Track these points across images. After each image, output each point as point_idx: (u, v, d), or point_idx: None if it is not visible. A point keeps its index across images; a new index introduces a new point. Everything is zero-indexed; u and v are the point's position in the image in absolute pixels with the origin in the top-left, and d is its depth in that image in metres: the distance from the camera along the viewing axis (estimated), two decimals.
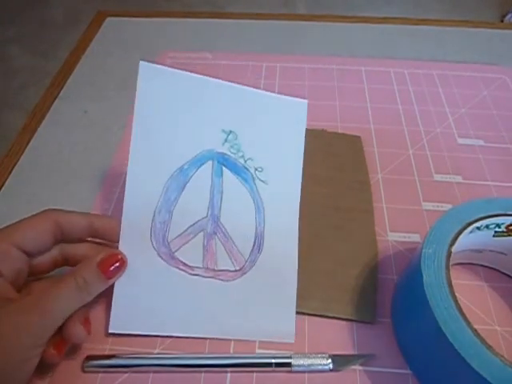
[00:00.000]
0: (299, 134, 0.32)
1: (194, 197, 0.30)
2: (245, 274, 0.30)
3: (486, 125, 0.43)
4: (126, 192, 0.29)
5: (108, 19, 0.57)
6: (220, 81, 0.30)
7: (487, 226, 0.28)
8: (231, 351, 0.28)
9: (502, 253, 0.30)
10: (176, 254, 0.29)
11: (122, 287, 0.28)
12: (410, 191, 0.37)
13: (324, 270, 0.32)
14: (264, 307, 0.30)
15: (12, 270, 0.26)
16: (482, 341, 0.22)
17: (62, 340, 0.26)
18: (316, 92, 0.46)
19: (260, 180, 0.31)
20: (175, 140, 0.30)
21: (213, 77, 0.30)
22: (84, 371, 0.27)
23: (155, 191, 0.29)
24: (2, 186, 0.38)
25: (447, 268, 0.25)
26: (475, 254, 0.31)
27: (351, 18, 0.58)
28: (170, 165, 0.30)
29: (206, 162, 0.30)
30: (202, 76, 0.30)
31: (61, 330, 0.25)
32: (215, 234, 0.30)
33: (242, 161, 0.31)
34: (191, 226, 0.30)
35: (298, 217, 0.32)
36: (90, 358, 0.27)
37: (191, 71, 0.30)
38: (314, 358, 0.27)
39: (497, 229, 0.28)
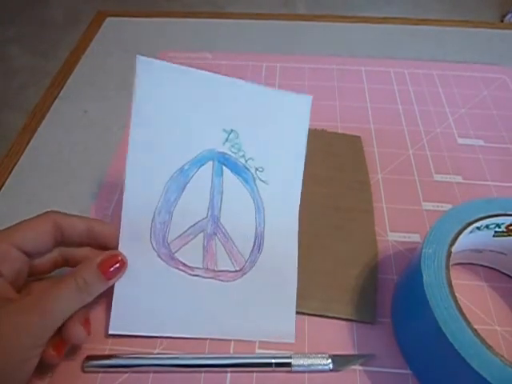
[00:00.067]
0: (302, 131, 0.31)
1: (194, 197, 0.30)
2: (245, 274, 0.30)
3: (486, 125, 0.43)
4: (124, 193, 0.29)
5: (108, 19, 0.57)
6: (221, 76, 0.29)
7: (487, 226, 0.28)
8: (231, 351, 0.28)
9: (502, 253, 0.30)
10: (176, 254, 0.29)
11: (122, 288, 0.28)
12: (410, 191, 0.37)
13: (324, 270, 0.32)
14: (264, 307, 0.30)
15: (12, 270, 0.26)
16: (482, 341, 0.22)
17: (61, 341, 0.26)
18: (316, 92, 0.46)
19: (260, 180, 0.31)
20: (175, 139, 0.29)
21: None
22: (84, 371, 0.27)
23: (155, 192, 0.29)
24: (2, 185, 0.38)
25: (447, 268, 0.25)
26: (475, 253, 0.31)
27: (351, 17, 0.58)
28: (170, 165, 0.29)
29: (206, 162, 0.30)
30: (202, 71, 0.29)
31: (60, 330, 0.25)
32: (215, 234, 0.30)
33: (242, 160, 0.31)
34: (191, 226, 0.30)
35: (297, 217, 0.31)
36: (89, 358, 0.27)
37: None
38: (314, 357, 0.27)
39: (497, 229, 0.28)
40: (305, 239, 0.32)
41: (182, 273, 0.29)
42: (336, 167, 0.38)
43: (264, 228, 0.31)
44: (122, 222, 0.28)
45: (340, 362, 0.27)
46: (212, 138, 0.30)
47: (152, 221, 0.29)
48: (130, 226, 0.29)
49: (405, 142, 0.41)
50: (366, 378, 0.27)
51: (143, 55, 0.29)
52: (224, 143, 0.30)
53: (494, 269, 0.32)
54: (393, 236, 0.34)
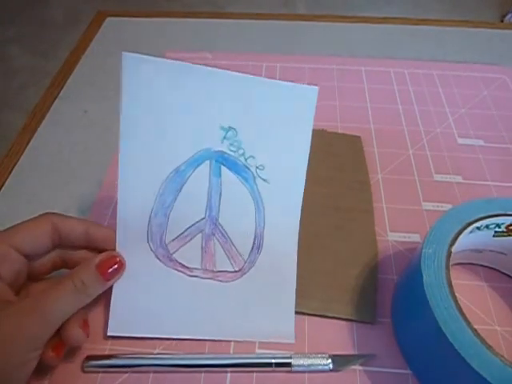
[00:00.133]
0: (306, 126, 0.29)
1: (191, 198, 0.29)
2: (244, 274, 0.30)
3: (486, 125, 0.43)
4: (118, 196, 0.28)
5: (108, 19, 0.57)
6: (216, 69, 0.27)
7: (487, 226, 0.28)
8: (231, 351, 0.28)
9: (502, 253, 0.30)
10: (174, 255, 0.29)
11: (121, 289, 0.28)
12: (410, 191, 0.37)
13: (324, 270, 0.32)
14: (263, 308, 0.29)
15: (11, 272, 0.26)
16: (482, 341, 0.22)
17: (60, 342, 0.25)
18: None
19: (261, 179, 0.30)
20: (169, 139, 0.28)
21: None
22: (84, 371, 0.27)
23: (150, 194, 0.28)
24: (2, 185, 0.38)
25: (447, 268, 0.25)
26: (475, 253, 0.31)
27: (351, 17, 0.58)
28: (164, 166, 0.28)
29: (203, 161, 0.29)
30: (194, 65, 0.27)
31: (59, 332, 0.25)
32: (214, 235, 0.30)
33: (242, 159, 0.29)
34: (189, 227, 0.29)
35: (299, 216, 0.30)
36: (89, 358, 0.27)
37: None
38: (314, 357, 0.27)
39: (497, 229, 0.28)
40: (305, 239, 0.31)
41: (181, 274, 0.29)
42: (336, 167, 0.38)
43: (264, 228, 0.30)
44: (117, 226, 0.28)
45: (340, 361, 0.27)
46: (209, 136, 0.29)
47: (148, 223, 0.28)
48: (125, 229, 0.28)
49: (405, 142, 0.41)
50: (366, 377, 0.27)
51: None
52: (222, 141, 0.29)
53: (494, 269, 0.32)
54: (393, 236, 0.34)
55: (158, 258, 0.29)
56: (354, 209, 0.35)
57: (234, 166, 0.29)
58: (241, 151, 0.29)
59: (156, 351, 0.28)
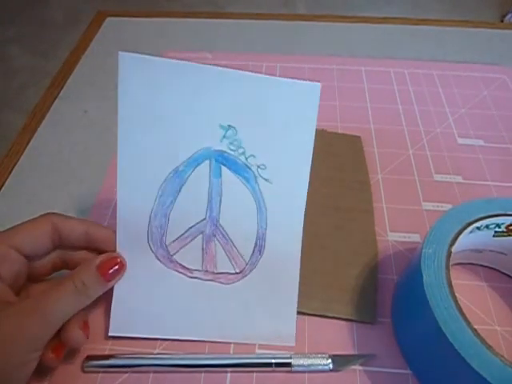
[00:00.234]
0: (309, 124, 0.28)
1: (191, 199, 0.29)
2: (245, 276, 0.30)
3: (486, 125, 0.43)
4: (118, 197, 0.28)
5: (108, 19, 0.57)
6: (214, 67, 0.27)
7: (487, 226, 0.28)
8: (231, 351, 0.28)
9: (502, 253, 0.30)
10: (174, 256, 0.29)
11: (122, 290, 0.28)
12: (410, 191, 0.37)
13: (324, 270, 0.32)
14: (264, 311, 0.29)
15: (11, 272, 0.26)
16: (482, 341, 0.22)
17: (60, 343, 0.25)
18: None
19: (263, 178, 0.29)
20: (167, 139, 0.28)
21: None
22: (84, 371, 0.27)
23: (149, 196, 0.28)
24: (2, 185, 0.38)
25: (447, 268, 0.25)
26: (475, 253, 0.31)
27: (351, 17, 0.58)
28: (163, 167, 0.28)
29: (202, 161, 0.28)
30: (192, 63, 0.26)
31: (59, 333, 0.25)
32: (214, 236, 0.29)
33: (242, 158, 0.29)
34: (189, 228, 0.29)
35: (303, 217, 0.29)
36: (89, 358, 0.27)
37: None
38: (314, 357, 0.27)
39: (497, 229, 0.28)
40: (305, 239, 0.31)
41: (181, 275, 0.29)
42: (336, 167, 0.38)
43: (266, 229, 0.30)
44: (117, 227, 0.28)
45: (340, 361, 0.27)
46: (208, 135, 0.28)
47: (148, 224, 0.28)
48: (126, 230, 0.28)
49: (405, 142, 0.41)
50: (366, 378, 0.27)
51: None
52: (221, 140, 0.28)
53: (494, 269, 0.32)
54: (393, 236, 0.34)
55: (159, 259, 0.29)
56: (354, 209, 0.35)
57: (234, 166, 0.29)
58: (241, 150, 0.29)
59: (156, 351, 0.28)
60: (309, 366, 0.27)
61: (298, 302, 0.30)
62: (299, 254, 0.30)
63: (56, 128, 0.43)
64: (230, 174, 0.29)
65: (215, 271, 0.29)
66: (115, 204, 0.28)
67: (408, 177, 0.38)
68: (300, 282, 0.30)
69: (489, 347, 0.22)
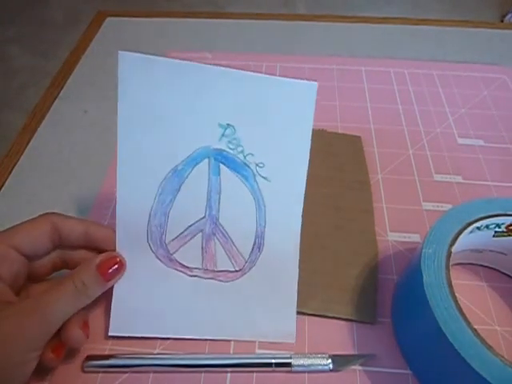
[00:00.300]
0: (306, 122, 0.29)
1: (190, 198, 0.29)
2: (245, 274, 0.30)
3: (486, 125, 0.43)
4: (117, 196, 0.28)
5: (108, 19, 0.57)
6: (212, 66, 0.27)
7: (487, 226, 0.28)
8: (231, 351, 0.28)
9: (501, 253, 0.30)
10: (174, 255, 0.29)
11: (122, 290, 0.28)
12: (410, 191, 0.37)
13: (324, 270, 0.32)
14: (264, 308, 0.29)
15: (11, 272, 0.26)
16: (482, 341, 0.22)
17: (60, 343, 0.25)
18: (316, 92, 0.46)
19: (261, 176, 0.29)
20: (166, 138, 0.28)
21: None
22: (84, 371, 0.27)
23: (148, 194, 0.28)
24: (2, 186, 0.38)
25: (447, 268, 0.25)
26: (475, 253, 0.31)
27: (351, 17, 0.58)
28: (162, 166, 0.28)
29: (201, 160, 0.29)
30: (191, 62, 0.27)
31: (59, 333, 0.25)
32: (214, 234, 0.30)
33: (241, 156, 0.29)
34: (189, 227, 0.29)
35: (301, 214, 0.30)
36: (89, 358, 0.27)
37: None
38: (314, 358, 0.27)
39: (497, 229, 0.28)
40: (305, 239, 0.31)
41: (181, 274, 0.29)
42: (336, 167, 0.38)
43: (265, 227, 0.30)
44: (116, 226, 0.28)
45: (340, 362, 0.27)
46: (207, 134, 0.28)
47: (148, 223, 0.28)
48: (125, 230, 0.28)
49: (405, 142, 0.41)
50: (366, 378, 0.27)
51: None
52: (220, 139, 0.28)
53: (494, 269, 0.32)
54: (393, 236, 0.34)
55: (159, 258, 0.29)
56: (354, 209, 0.35)
57: (233, 164, 0.29)
58: (240, 148, 0.29)
59: (156, 351, 0.28)
60: (309, 366, 0.27)
61: (298, 302, 0.30)
62: (298, 251, 0.30)
63: (56, 128, 0.43)
64: (229, 173, 0.29)
65: (215, 269, 0.29)
66: (115, 204, 0.28)
67: (408, 177, 0.38)
68: (300, 282, 0.30)
69: (489, 347, 0.22)
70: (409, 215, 0.35)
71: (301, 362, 0.27)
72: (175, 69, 0.27)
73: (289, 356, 0.27)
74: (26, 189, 0.38)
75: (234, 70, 0.27)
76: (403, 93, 0.46)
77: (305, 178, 0.29)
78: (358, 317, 0.29)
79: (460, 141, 0.41)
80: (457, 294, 0.24)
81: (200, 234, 0.29)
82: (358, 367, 0.27)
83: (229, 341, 0.29)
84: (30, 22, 1.72)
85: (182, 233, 0.29)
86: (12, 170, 0.40)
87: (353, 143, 0.41)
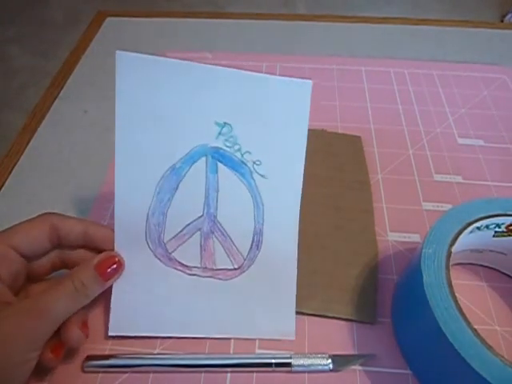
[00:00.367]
0: (302, 120, 0.29)
1: (188, 196, 0.29)
2: (244, 272, 0.30)
3: (486, 125, 0.43)
4: (115, 196, 0.28)
5: (108, 19, 0.57)
6: (208, 65, 0.27)
7: (487, 226, 0.28)
8: (231, 351, 0.28)
9: (501, 253, 0.30)
10: (173, 254, 0.29)
11: (120, 289, 0.28)
12: (410, 191, 0.37)
13: (324, 270, 0.32)
14: (264, 305, 0.29)
15: (10, 272, 0.26)
16: (482, 341, 0.22)
17: (59, 343, 0.25)
18: (316, 92, 0.45)
19: (259, 174, 0.29)
20: (164, 137, 0.28)
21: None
22: (84, 371, 0.27)
23: (146, 193, 0.28)
24: (2, 186, 0.38)
25: (447, 268, 0.25)
26: (475, 254, 0.31)
27: (351, 17, 0.58)
28: (160, 164, 0.28)
29: (199, 158, 0.29)
30: (188, 62, 0.27)
31: (58, 333, 0.25)
32: (212, 232, 0.30)
33: (238, 155, 0.29)
34: (187, 225, 0.29)
35: (298, 212, 0.30)
36: (89, 358, 0.27)
37: None
38: (314, 358, 0.27)
39: (497, 229, 0.28)
40: (305, 239, 0.31)
41: (180, 272, 0.29)
42: (336, 167, 0.38)
43: (263, 224, 0.30)
44: (115, 226, 0.28)
45: (340, 362, 0.27)
46: (204, 132, 0.28)
47: (146, 222, 0.28)
48: (124, 229, 0.28)
49: (405, 142, 0.41)
50: (366, 378, 0.27)
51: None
52: (217, 137, 0.29)
53: (494, 269, 0.32)
54: (393, 236, 0.34)
55: (157, 257, 0.29)
56: (354, 209, 0.35)
57: (230, 162, 0.29)
58: (236, 147, 0.29)
59: (156, 351, 0.28)
60: (309, 366, 0.27)
61: (298, 302, 0.30)
62: (296, 248, 0.30)
63: (56, 128, 0.43)
64: (227, 170, 0.29)
65: (214, 268, 0.30)
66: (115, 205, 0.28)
67: (408, 177, 0.38)
68: (300, 282, 0.30)
69: (489, 347, 0.22)
70: (409, 215, 0.35)
71: (301, 361, 0.27)
72: (171, 68, 0.27)
73: (289, 356, 0.27)
74: (26, 189, 0.38)
75: (230, 68, 0.28)
76: (403, 93, 0.46)
77: (302, 175, 0.30)
78: (357, 317, 0.29)
79: (460, 141, 0.41)
80: (457, 294, 0.24)
81: (198, 232, 0.29)
82: (358, 367, 0.27)
83: (228, 339, 0.29)
84: (30, 22, 1.72)
85: (180, 231, 0.29)
86: (12, 169, 0.40)
87: (353, 143, 0.41)
